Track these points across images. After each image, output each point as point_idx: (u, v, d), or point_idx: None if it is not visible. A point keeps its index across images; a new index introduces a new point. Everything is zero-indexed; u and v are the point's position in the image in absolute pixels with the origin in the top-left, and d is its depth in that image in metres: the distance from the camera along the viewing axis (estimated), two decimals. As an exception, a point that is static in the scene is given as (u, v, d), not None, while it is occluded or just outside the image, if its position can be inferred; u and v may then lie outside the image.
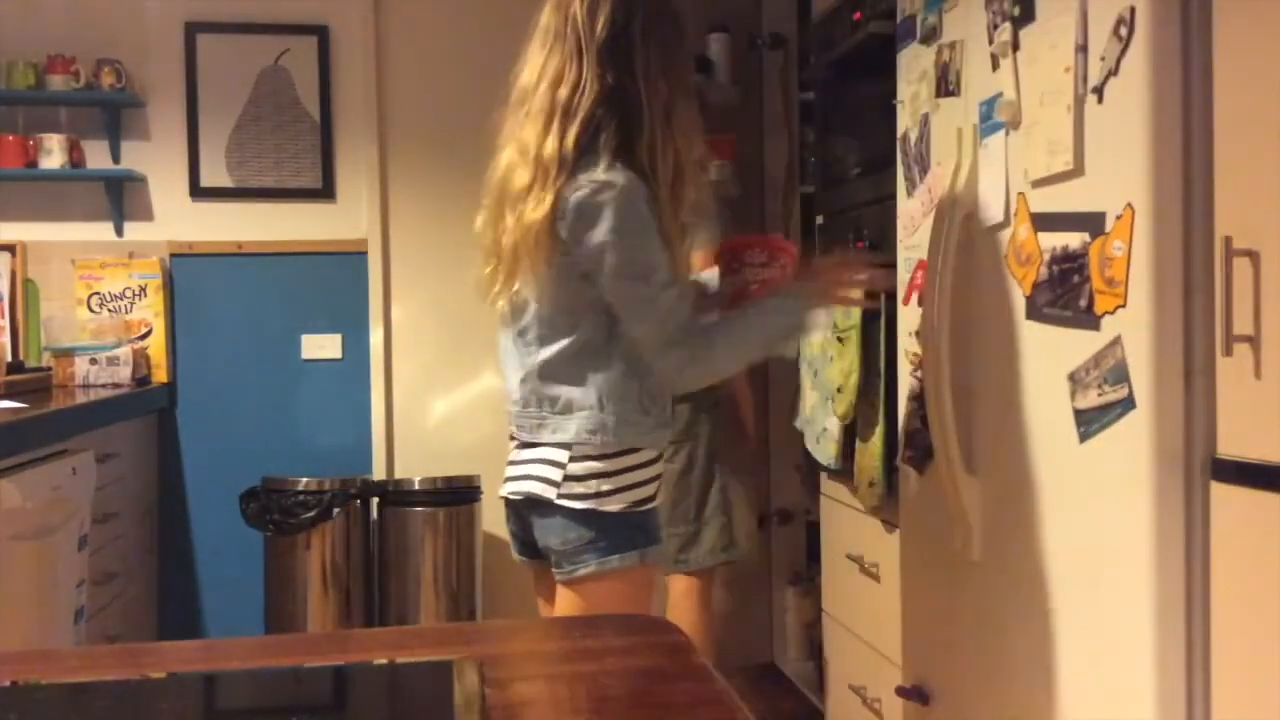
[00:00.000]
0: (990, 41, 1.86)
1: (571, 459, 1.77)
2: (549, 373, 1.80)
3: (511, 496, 1.86)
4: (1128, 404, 1.52)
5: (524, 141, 1.77)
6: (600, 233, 1.70)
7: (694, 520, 2.89)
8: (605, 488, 1.76)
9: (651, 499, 1.81)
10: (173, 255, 3.67)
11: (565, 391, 1.78)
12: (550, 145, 1.73)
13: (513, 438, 1.89)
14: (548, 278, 1.75)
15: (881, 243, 2.46)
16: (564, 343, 1.78)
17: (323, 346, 3.75)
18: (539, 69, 1.79)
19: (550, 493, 1.78)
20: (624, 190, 1.70)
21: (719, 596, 3.02)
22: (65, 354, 3.39)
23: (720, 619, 2.98)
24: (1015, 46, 1.78)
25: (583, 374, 1.77)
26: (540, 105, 1.76)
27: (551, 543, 1.79)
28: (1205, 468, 1.48)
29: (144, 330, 3.59)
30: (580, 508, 1.76)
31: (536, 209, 1.72)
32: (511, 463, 1.88)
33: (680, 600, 2.92)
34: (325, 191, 3.74)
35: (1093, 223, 1.59)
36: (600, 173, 1.71)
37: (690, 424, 2.89)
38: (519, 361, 1.85)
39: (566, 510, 1.77)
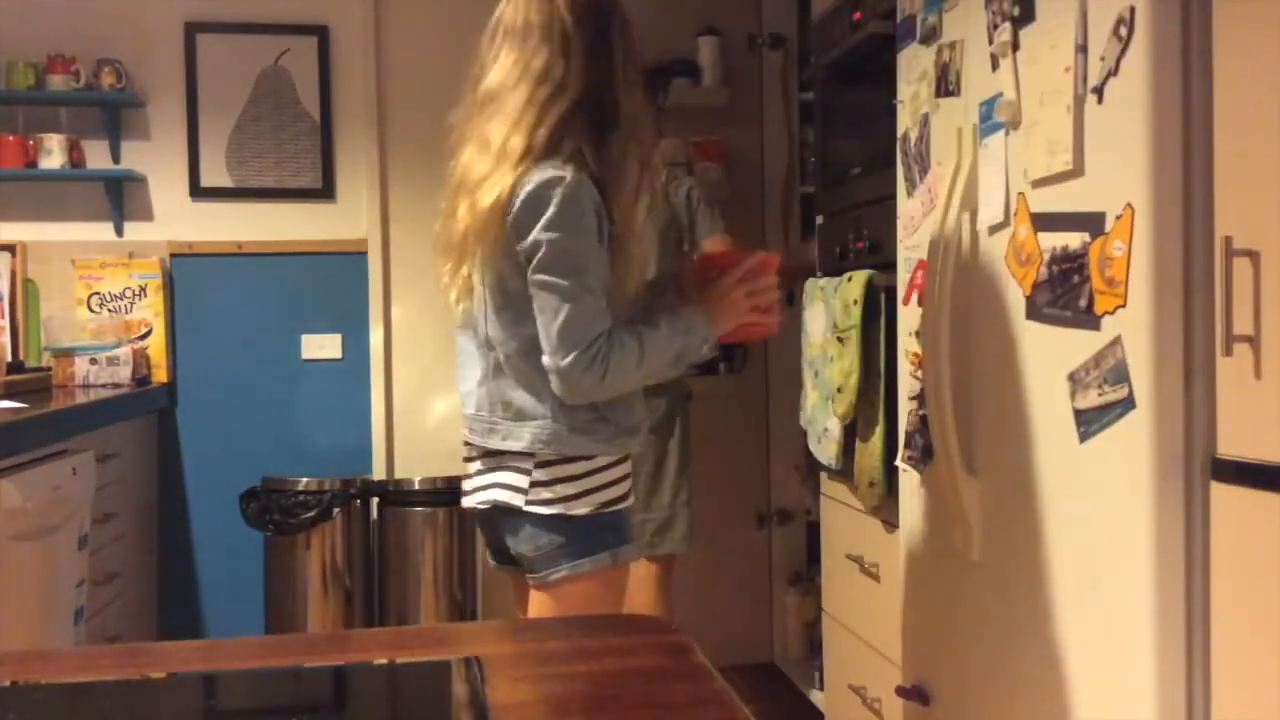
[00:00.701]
0: (990, 41, 1.86)
1: (536, 465, 1.75)
2: (504, 373, 1.77)
3: (480, 506, 1.84)
4: (1128, 404, 1.52)
5: (486, 137, 1.75)
6: (540, 224, 1.67)
7: (669, 506, 2.92)
8: (571, 492, 1.73)
9: (622, 499, 1.78)
10: (173, 255, 3.67)
11: (518, 397, 1.76)
12: (516, 141, 1.71)
13: (468, 443, 1.87)
14: (498, 270, 1.73)
15: (882, 243, 2.46)
16: (515, 343, 1.75)
17: (323, 346, 3.75)
18: (519, 66, 1.76)
19: (518, 500, 1.75)
20: (571, 186, 1.67)
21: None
22: (65, 354, 3.39)
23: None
24: (1015, 46, 1.78)
25: (536, 377, 1.73)
26: (515, 103, 1.73)
27: (523, 549, 1.77)
28: (1205, 468, 1.48)
29: (144, 330, 3.59)
30: (548, 513, 1.74)
31: (488, 196, 1.70)
32: (476, 471, 1.85)
33: (641, 585, 2.94)
34: (325, 191, 3.74)
35: (1093, 223, 1.59)
36: (554, 169, 1.68)
37: (668, 414, 2.91)
38: (477, 363, 1.83)
39: (535, 516, 1.74)
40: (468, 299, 1.80)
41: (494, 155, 1.72)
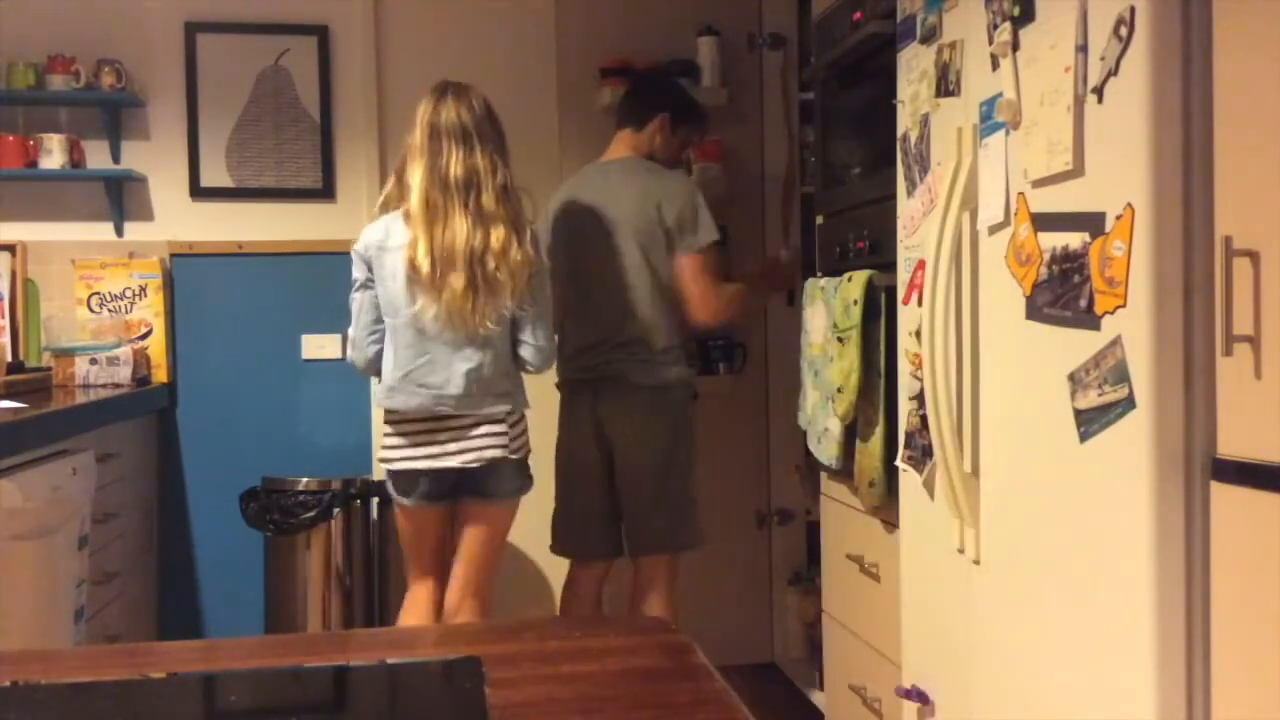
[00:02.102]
0: (990, 41, 1.86)
1: (512, 425, 2.62)
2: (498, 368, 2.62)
3: (471, 465, 2.58)
4: (1128, 404, 1.52)
5: (490, 213, 2.55)
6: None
7: (673, 508, 2.92)
8: (524, 440, 2.68)
9: None
10: (173, 255, 3.67)
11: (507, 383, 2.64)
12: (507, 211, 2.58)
13: (441, 417, 2.59)
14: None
15: (882, 243, 2.46)
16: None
17: (323, 346, 3.75)
18: (478, 162, 2.57)
19: (504, 452, 2.60)
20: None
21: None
22: (65, 354, 3.38)
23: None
24: (1015, 46, 1.78)
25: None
26: (494, 189, 2.55)
27: (506, 486, 2.64)
28: (1205, 468, 1.48)
29: (144, 330, 3.59)
30: (518, 458, 2.65)
31: (518, 252, 2.54)
32: (455, 439, 2.59)
33: (647, 585, 2.95)
34: (325, 191, 3.74)
35: (1093, 223, 1.59)
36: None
37: (673, 415, 2.91)
38: (469, 356, 2.58)
39: (515, 461, 2.64)
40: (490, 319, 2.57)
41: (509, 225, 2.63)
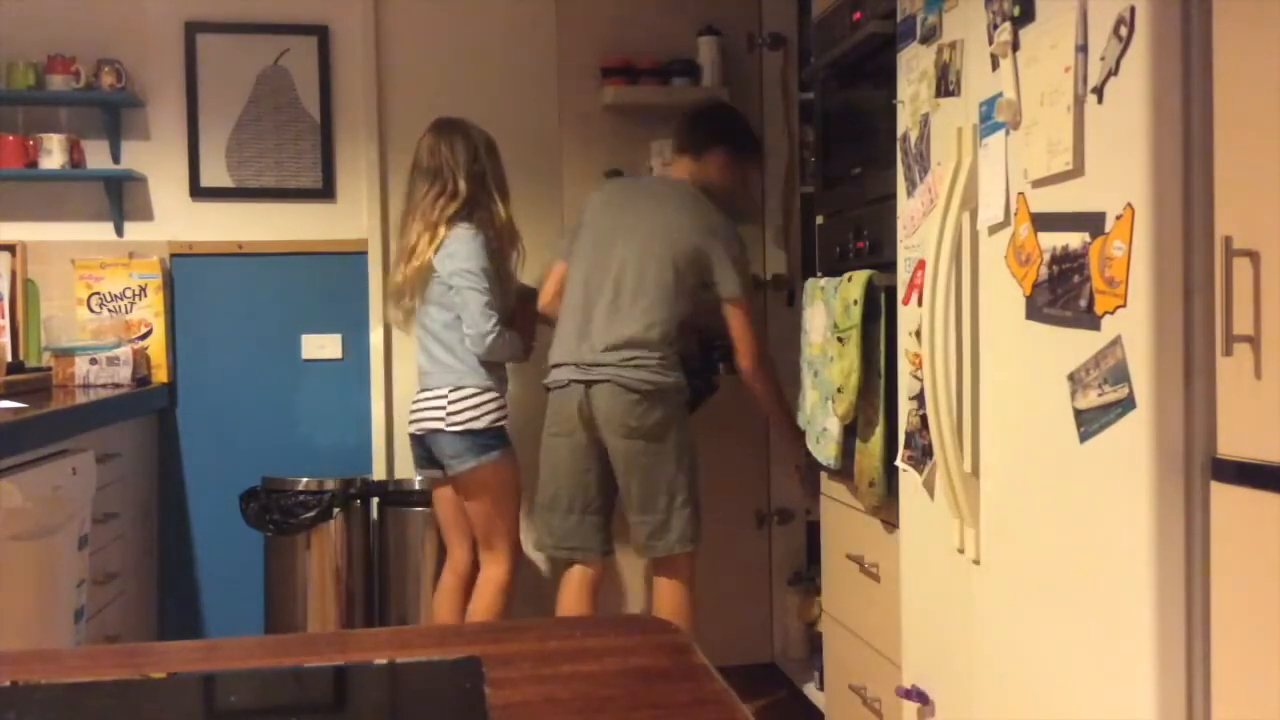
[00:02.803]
0: (990, 41, 1.86)
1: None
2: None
3: (451, 428, 3.02)
4: (1128, 404, 1.52)
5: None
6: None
7: (664, 510, 2.92)
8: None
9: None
10: (173, 255, 3.67)
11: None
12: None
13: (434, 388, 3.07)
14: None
15: (882, 243, 2.46)
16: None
17: (323, 346, 3.75)
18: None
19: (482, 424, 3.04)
20: None
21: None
22: (65, 354, 3.38)
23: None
24: (1015, 46, 1.78)
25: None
26: None
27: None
28: (1205, 468, 1.48)
29: (144, 330, 3.59)
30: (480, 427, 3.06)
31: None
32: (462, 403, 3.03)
33: (663, 588, 2.97)
34: (325, 191, 3.74)
35: (1093, 223, 1.59)
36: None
37: (668, 417, 2.92)
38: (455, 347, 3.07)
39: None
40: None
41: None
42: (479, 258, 3.01)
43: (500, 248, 3.13)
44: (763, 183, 3.66)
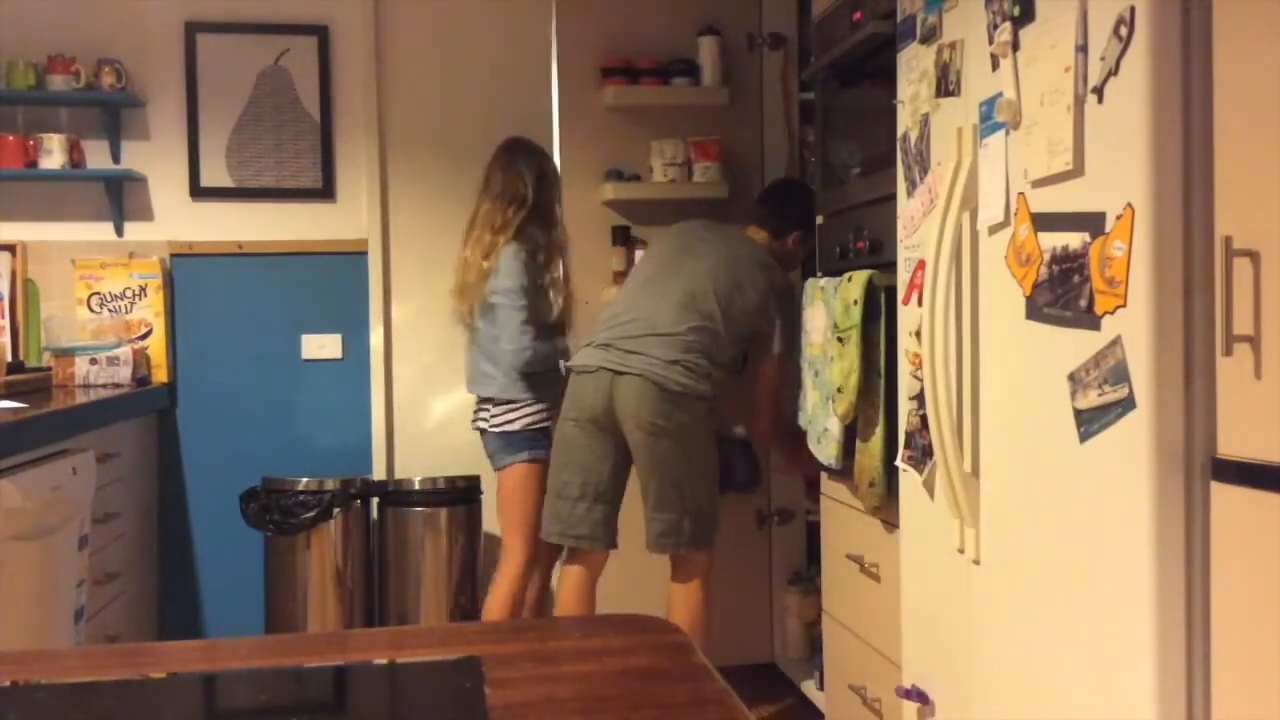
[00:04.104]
0: (990, 41, 1.86)
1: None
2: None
3: (493, 429, 3.17)
4: (1128, 404, 1.52)
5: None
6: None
7: (679, 510, 2.91)
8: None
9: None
10: (173, 255, 3.67)
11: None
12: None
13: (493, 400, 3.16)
14: None
15: (882, 243, 2.46)
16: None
17: (323, 346, 3.75)
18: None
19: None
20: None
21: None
22: (65, 354, 3.38)
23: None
24: (1015, 46, 1.78)
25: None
26: None
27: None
28: (1205, 468, 1.48)
29: (144, 330, 3.59)
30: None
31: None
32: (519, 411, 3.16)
33: (678, 592, 2.96)
34: (325, 191, 3.74)
35: (1093, 223, 1.59)
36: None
37: (696, 422, 2.91)
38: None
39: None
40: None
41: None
42: (519, 276, 3.13)
43: (549, 258, 3.22)
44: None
